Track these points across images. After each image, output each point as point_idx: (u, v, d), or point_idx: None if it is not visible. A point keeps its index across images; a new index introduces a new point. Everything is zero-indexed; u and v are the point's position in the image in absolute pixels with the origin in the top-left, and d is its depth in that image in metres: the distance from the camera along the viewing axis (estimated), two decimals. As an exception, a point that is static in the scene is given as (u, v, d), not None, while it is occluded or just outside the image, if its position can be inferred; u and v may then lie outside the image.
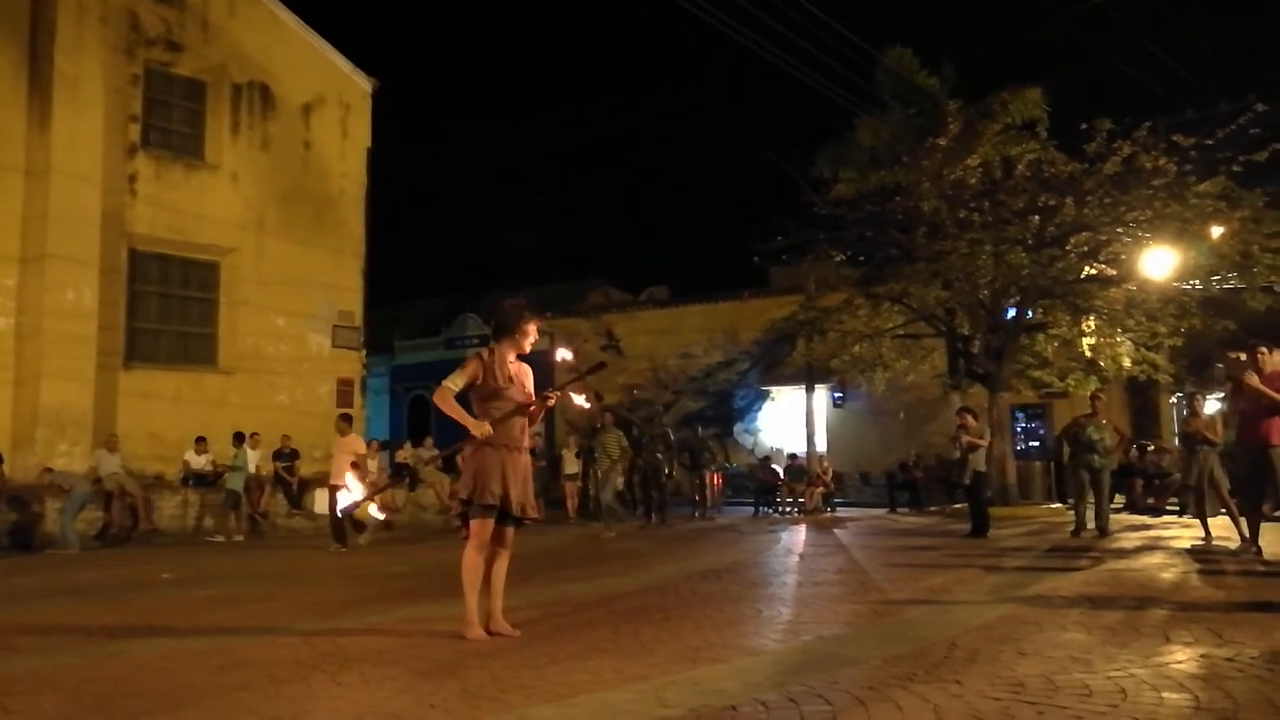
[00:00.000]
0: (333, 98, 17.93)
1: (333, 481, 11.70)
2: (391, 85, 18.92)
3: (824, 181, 18.11)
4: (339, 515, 10.95)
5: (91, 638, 5.32)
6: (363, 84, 18.40)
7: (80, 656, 4.73)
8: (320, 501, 13.55)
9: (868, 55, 17.67)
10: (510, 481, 4.86)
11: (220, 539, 13.28)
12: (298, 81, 17.41)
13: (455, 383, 4.92)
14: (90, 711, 3.60)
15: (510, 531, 5.02)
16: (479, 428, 4.81)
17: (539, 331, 5.11)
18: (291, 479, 15.15)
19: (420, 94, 61.56)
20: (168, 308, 15.93)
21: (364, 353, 18.42)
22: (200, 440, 14.37)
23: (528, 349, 5.08)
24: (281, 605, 6.72)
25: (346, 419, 12.50)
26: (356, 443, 12.01)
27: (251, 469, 14.59)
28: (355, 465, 10.87)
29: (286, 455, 15.22)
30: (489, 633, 4.86)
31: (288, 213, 17.03)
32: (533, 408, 5.02)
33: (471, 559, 4.89)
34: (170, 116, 16.17)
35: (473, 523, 4.89)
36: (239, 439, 14.07)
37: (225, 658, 4.59)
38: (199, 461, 14.32)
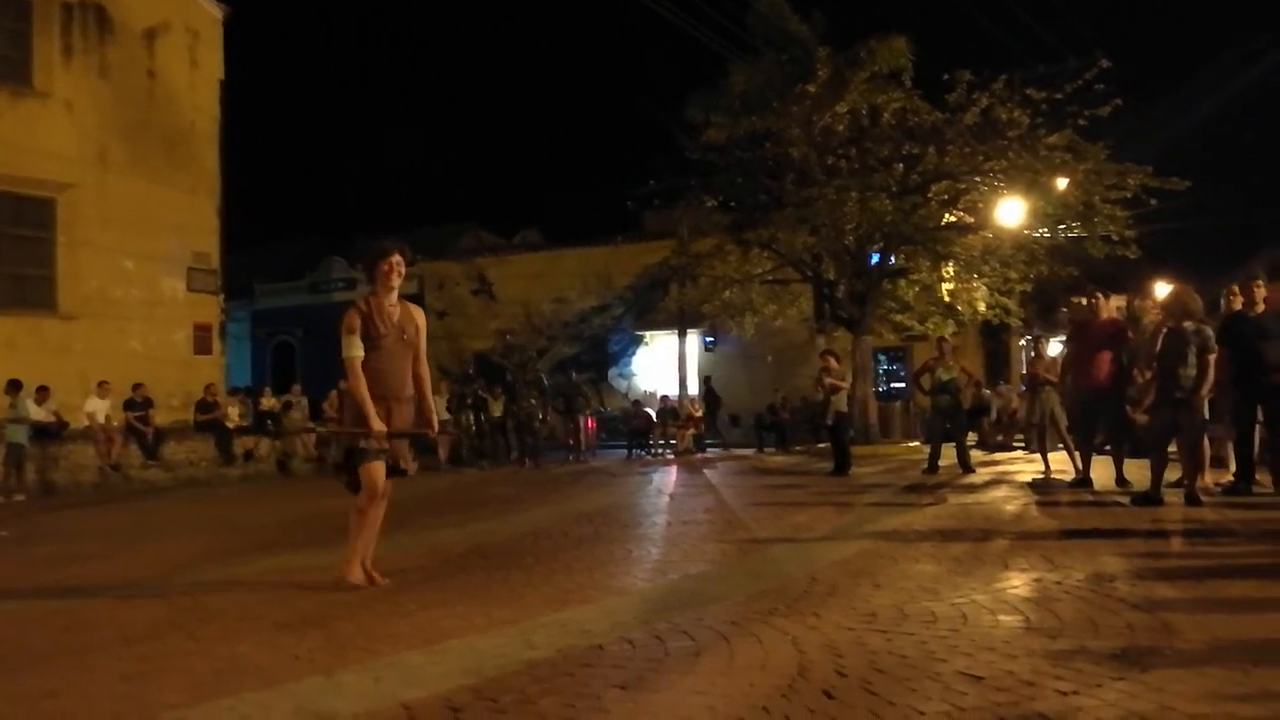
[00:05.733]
0: (179, 24, 16.75)
1: None
2: (249, 13, 17.85)
3: (696, 126, 18.19)
4: None
5: (-80, 602, 4.97)
6: (212, 10, 17.26)
7: (-93, 623, 4.42)
8: None
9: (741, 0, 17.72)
10: (391, 431, 4.74)
11: None
12: (139, 5, 16.16)
13: (355, 348, 4.64)
14: (-82, 681, 3.38)
15: (388, 482, 4.89)
16: (375, 423, 4.59)
17: (404, 266, 4.80)
18: (146, 429, 14.43)
19: (283, 24, 58.27)
20: (-3, 247, 14.73)
21: (222, 297, 17.57)
22: (41, 389, 13.45)
23: (395, 285, 4.78)
24: (134, 561, 6.43)
25: None
26: None
27: (101, 419, 13.83)
28: None
29: (139, 404, 14.48)
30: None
31: (133, 147, 15.92)
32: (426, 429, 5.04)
33: (370, 510, 4.73)
34: (-9, 38, 14.78)
35: (362, 471, 4.68)
36: (14, 387, 12.68)
37: (71, 618, 4.37)
38: (40, 413, 13.42)
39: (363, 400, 4.62)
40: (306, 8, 58.26)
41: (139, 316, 15.88)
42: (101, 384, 14.03)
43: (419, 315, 4.93)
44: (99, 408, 13.88)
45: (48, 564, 6.36)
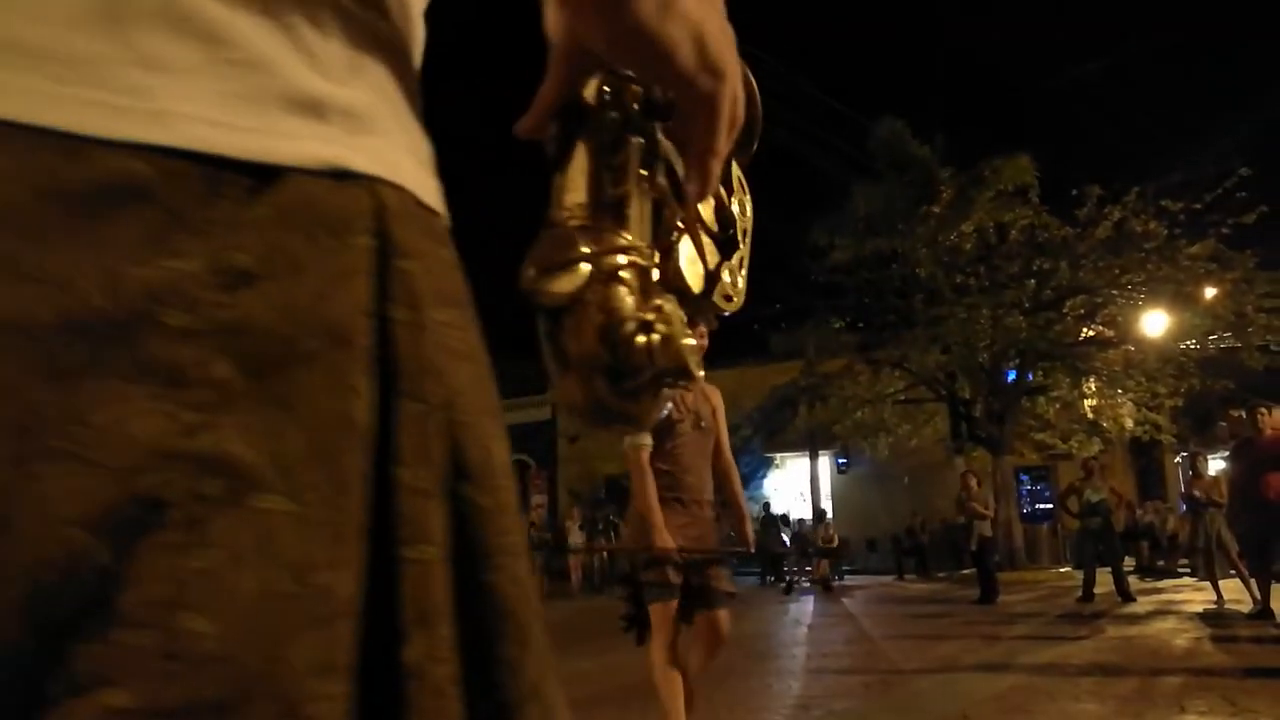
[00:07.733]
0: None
1: None
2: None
3: (821, 249, 18.40)
4: None
5: None
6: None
7: None
8: None
9: (859, 125, 18.12)
10: (692, 548, 3.44)
11: None
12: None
13: (641, 434, 3.28)
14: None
15: (715, 616, 3.50)
16: (662, 536, 3.29)
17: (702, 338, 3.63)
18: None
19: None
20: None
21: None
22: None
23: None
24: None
25: None
26: None
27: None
28: None
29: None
30: None
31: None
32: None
33: (662, 660, 3.41)
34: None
35: (652, 610, 3.43)
36: None
37: None
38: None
39: (649, 508, 3.30)
40: (438, 79, 62.24)
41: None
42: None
43: (715, 395, 3.68)
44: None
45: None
